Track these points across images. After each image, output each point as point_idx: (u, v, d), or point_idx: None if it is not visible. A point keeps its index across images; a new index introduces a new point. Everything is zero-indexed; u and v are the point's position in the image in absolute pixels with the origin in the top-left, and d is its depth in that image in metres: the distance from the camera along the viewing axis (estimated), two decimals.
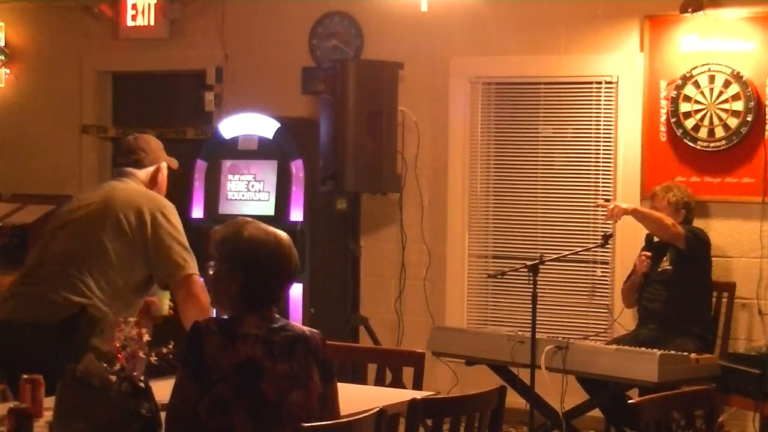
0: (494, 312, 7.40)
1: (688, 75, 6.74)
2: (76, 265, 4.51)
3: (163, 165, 4.86)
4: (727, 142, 6.68)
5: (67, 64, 8.57)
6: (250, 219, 3.54)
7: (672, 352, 5.68)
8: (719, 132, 6.69)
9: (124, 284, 4.57)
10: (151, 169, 4.81)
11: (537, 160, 7.27)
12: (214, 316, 3.96)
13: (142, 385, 3.38)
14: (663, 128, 6.85)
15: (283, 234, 3.51)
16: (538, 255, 6.05)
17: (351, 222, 7.42)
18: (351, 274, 7.39)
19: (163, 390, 3.47)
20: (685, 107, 6.76)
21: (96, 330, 4.42)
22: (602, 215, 6.55)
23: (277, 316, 3.48)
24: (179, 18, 8.20)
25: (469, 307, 7.45)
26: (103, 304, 4.50)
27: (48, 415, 3.55)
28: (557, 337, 6.06)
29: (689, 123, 6.75)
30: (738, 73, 6.62)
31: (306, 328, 3.52)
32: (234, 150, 7.34)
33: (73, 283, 4.49)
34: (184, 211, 4.86)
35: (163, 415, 3.38)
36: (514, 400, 5.23)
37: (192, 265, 4.61)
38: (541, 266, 5.96)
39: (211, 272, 3.50)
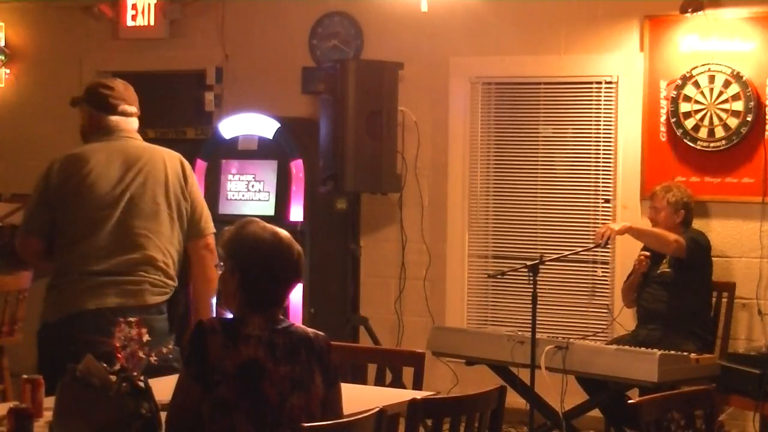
0: (494, 312, 7.40)
1: (688, 75, 6.74)
2: (159, 247, 4.52)
3: None
4: (727, 142, 6.68)
5: (67, 64, 8.56)
6: (257, 219, 3.51)
7: (672, 352, 5.68)
8: (719, 132, 6.69)
9: (183, 252, 4.64)
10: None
11: (537, 160, 7.27)
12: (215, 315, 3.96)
13: (142, 385, 3.38)
14: (663, 128, 6.85)
15: (283, 234, 3.47)
16: (538, 255, 6.05)
17: (351, 222, 7.42)
18: (351, 274, 7.39)
19: (163, 390, 3.47)
20: (685, 107, 6.76)
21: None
22: (593, 236, 6.42)
23: (282, 317, 3.46)
24: (179, 18, 8.20)
25: (469, 307, 7.45)
26: (176, 278, 4.60)
27: (48, 415, 3.54)
28: (557, 337, 6.06)
29: (689, 123, 6.75)
30: (738, 73, 6.62)
31: (311, 331, 3.49)
32: (234, 150, 7.34)
33: (161, 267, 4.52)
34: None
35: (163, 415, 3.38)
36: (514, 400, 5.23)
37: (212, 225, 4.72)
38: (541, 266, 5.96)
39: (220, 272, 3.50)
